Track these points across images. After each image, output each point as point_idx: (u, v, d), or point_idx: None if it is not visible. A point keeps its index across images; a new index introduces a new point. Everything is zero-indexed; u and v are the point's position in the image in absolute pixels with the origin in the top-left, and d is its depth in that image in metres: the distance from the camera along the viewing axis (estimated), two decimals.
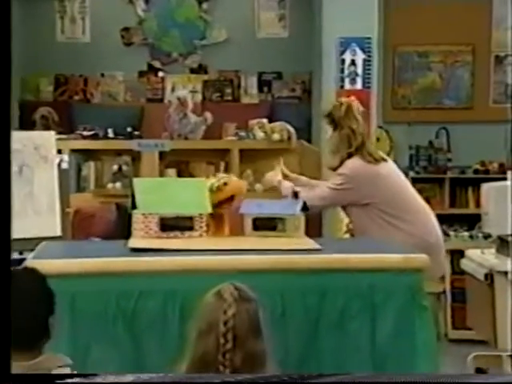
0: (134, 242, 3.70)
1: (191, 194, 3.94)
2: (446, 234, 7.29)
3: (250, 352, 2.62)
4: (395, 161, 7.82)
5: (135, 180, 4.19)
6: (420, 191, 7.66)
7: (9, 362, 2.10)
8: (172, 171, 6.94)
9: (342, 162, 4.52)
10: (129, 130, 7.53)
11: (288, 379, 2.33)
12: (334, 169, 4.57)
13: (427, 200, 7.70)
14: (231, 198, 4.06)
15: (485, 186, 5.37)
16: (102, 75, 8.39)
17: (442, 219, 7.39)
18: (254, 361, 2.63)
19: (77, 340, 3.19)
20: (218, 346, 2.60)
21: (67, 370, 2.49)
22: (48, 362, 2.48)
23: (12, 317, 2.43)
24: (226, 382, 2.16)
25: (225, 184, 4.03)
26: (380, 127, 7.41)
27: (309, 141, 7.48)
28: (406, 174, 7.79)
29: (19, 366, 2.44)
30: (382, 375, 2.56)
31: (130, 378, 2.32)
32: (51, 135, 5.51)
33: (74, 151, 6.71)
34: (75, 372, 2.51)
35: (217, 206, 4.03)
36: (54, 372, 2.46)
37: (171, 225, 3.86)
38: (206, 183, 4.00)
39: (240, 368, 2.61)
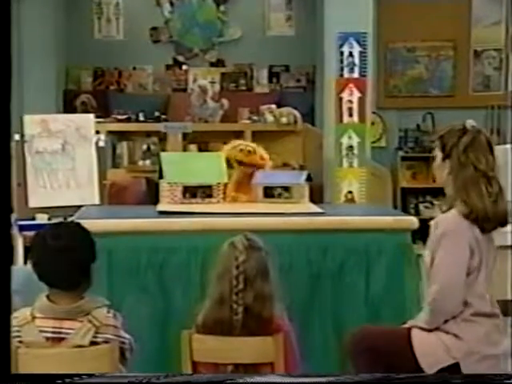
0: (161, 207, 3.69)
1: (210, 166, 3.92)
2: (431, 204, 7.28)
3: (259, 292, 2.63)
4: (387, 142, 7.97)
5: (162, 154, 4.16)
6: (409, 168, 7.78)
7: (9, 361, 2.01)
8: (193, 146, 6.95)
9: None
10: (157, 114, 7.53)
11: (288, 379, 2.27)
12: None
13: (415, 175, 7.77)
14: (252, 165, 3.97)
15: None
16: (134, 68, 8.38)
17: (427, 191, 7.45)
18: (263, 300, 2.64)
19: (113, 289, 3.19)
20: (231, 287, 2.62)
21: (104, 310, 2.48)
22: (88, 304, 2.47)
23: (60, 261, 2.42)
24: (234, 383, 2.11)
25: (249, 152, 3.97)
26: (374, 113, 7.38)
27: (312, 124, 7.46)
28: (397, 154, 7.80)
29: (63, 309, 2.43)
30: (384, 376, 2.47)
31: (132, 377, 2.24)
32: (90, 118, 5.46)
33: (109, 132, 6.70)
34: (112, 311, 2.51)
35: (239, 163, 3.98)
36: (93, 312, 2.46)
37: (193, 192, 3.84)
38: (223, 156, 3.95)
39: (251, 306, 2.61)
